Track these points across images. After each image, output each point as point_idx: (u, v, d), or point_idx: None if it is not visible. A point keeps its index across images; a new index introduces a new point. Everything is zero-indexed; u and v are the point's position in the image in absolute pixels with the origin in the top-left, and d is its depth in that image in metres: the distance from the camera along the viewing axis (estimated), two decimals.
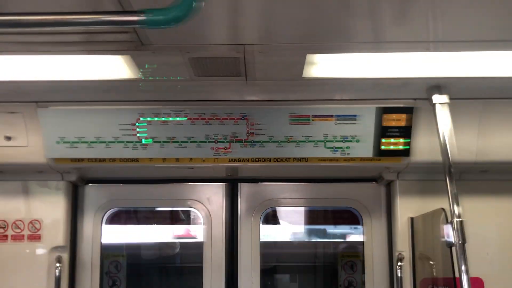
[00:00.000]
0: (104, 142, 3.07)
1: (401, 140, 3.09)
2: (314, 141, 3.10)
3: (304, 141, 3.10)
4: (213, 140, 3.08)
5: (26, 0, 1.78)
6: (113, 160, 3.13)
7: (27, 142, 3.10)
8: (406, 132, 3.07)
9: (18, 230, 3.39)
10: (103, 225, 3.64)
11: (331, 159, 3.15)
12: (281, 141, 3.10)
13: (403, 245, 3.36)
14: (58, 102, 3.00)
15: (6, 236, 3.37)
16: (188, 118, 3.03)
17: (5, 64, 2.50)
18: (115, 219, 3.88)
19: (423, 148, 3.11)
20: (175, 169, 3.33)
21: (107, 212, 3.68)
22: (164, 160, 3.15)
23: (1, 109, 3.00)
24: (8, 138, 3.08)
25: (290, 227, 4.00)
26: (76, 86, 2.76)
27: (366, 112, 3.03)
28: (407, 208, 3.39)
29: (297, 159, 3.16)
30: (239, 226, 3.64)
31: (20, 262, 3.34)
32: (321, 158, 3.14)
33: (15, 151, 3.11)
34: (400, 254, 3.34)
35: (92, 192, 3.65)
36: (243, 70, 2.54)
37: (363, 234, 3.68)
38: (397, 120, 3.05)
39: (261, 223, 3.68)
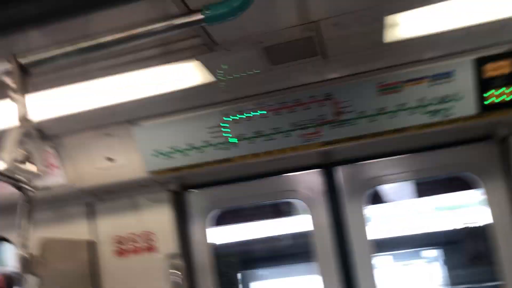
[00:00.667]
0: (196, 147, 3.12)
1: (507, 89, 2.76)
2: (408, 109, 2.87)
3: (398, 111, 2.89)
4: (301, 127, 2.99)
5: (98, 26, 1.84)
6: (208, 163, 3.17)
7: (127, 160, 3.25)
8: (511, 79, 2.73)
9: (135, 244, 3.58)
10: (210, 227, 3.72)
11: (430, 125, 2.90)
12: (373, 115, 2.92)
13: None
14: (147, 117, 3.11)
15: (125, 250, 3.58)
16: (271, 110, 2.98)
17: (93, 89, 2.63)
18: (220, 220, 3.96)
19: None
20: (268, 163, 3.29)
21: (212, 214, 3.76)
22: (255, 155, 3.12)
23: (98, 133, 3.18)
24: (110, 159, 3.26)
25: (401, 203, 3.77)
26: (161, 99, 2.83)
27: (461, 66, 2.75)
28: None
29: (393, 131, 2.95)
30: (345, 211, 3.51)
31: (141, 273, 3.53)
32: (419, 125, 2.91)
33: (118, 170, 3.28)
34: None
35: (194, 198, 3.75)
36: (319, 48, 2.42)
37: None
38: (499, 69, 2.72)
39: (365, 204, 3.51)
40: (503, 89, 2.76)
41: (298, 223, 3.65)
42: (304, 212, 3.63)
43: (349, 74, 2.84)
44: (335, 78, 2.86)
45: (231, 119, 3.03)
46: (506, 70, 2.72)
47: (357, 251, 3.43)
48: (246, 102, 2.98)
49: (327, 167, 3.58)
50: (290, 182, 3.65)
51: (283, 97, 2.94)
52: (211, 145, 3.10)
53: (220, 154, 3.12)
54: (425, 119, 2.88)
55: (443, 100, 2.83)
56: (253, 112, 2.99)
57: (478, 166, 3.33)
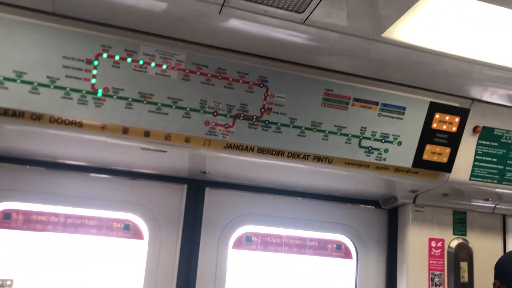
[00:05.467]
0: (27, 82, 1.77)
1: (444, 150, 2.38)
2: (347, 135, 2.20)
3: (336, 133, 2.19)
4: (212, 110, 2.00)
5: None
6: (38, 117, 1.83)
7: None
8: (454, 140, 2.36)
9: None
10: None
11: (360, 164, 2.28)
12: (306, 128, 2.14)
13: None
14: None
15: None
16: (181, 69, 1.91)
17: None
18: None
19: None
20: (125, 150, 2.12)
21: None
22: (125, 130, 1.94)
23: None
24: None
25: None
26: None
27: (417, 105, 2.26)
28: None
29: (319, 159, 2.22)
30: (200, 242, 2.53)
31: None
32: (349, 160, 2.26)
33: None
34: None
35: None
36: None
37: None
38: (447, 124, 2.33)
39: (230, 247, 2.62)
40: (442, 148, 2.36)
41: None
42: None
43: (302, 62, 2.02)
44: (283, 61, 2.01)
45: (106, 57, 1.83)
46: (449, 128, 2.33)
47: None
48: (143, 40, 1.84)
49: (196, 184, 2.58)
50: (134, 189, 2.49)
51: (204, 56, 1.92)
52: (59, 87, 1.80)
53: (65, 108, 1.83)
54: (360, 154, 2.25)
55: (385, 138, 2.26)
56: (149, 59, 1.87)
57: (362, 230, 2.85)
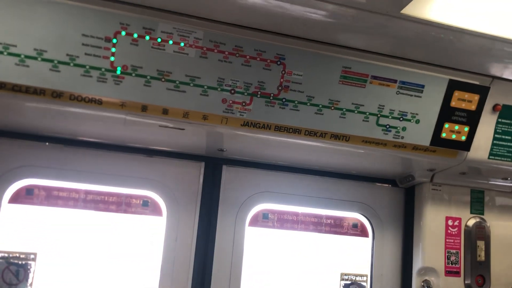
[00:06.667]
0: (50, 60, 1.79)
1: (463, 128, 2.35)
2: (365, 113, 2.19)
3: (353, 111, 2.18)
4: (229, 88, 2.00)
5: None
6: (58, 94, 1.86)
7: None
8: (473, 118, 2.33)
9: None
10: None
11: (378, 143, 2.28)
12: (323, 106, 2.14)
13: None
14: None
15: None
16: (195, 46, 1.91)
17: None
18: None
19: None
20: (143, 127, 2.15)
21: None
22: (144, 108, 1.97)
23: None
24: None
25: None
26: None
27: (436, 83, 2.23)
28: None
29: (336, 137, 2.22)
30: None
31: None
32: (366, 138, 2.25)
33: None
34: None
35: None
36: None
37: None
38: (466, 102, 2.30)
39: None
40: (461, 126, 2.34)
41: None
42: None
43: (319, 39, 2.01)
44: (300, 38, 2.00)
45: (124, 35, 1.84)
46: (469, 106, 2.31)
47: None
48: (161, 18, 1.85)
49: (213, 162, 2.61)
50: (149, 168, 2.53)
51: (222, 33, 1.92)
52: (77, 65, 1.82)
53: (85, 86, 1.86)
54: (377, 132, 2.24)
55: (403, 116, 2.25)
56: (167, 37, 1.87)
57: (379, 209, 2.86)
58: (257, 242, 2.74)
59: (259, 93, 2.04)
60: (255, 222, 2.71)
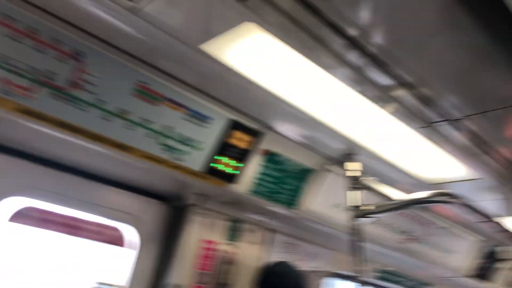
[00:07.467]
0: None
1: (234, 163, 2.65)
2: (151, 130, 2.28)
3: (140, 125, 2.24)
4: (9, 67, 1.85)
5: None
6: None
7: None
8: (245, 157, 2.65)
9: None
10: None
11: (157, 160, 2.38)
12: (112, 113, 2.15)
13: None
14: None
15: None
16: None
17: None
18: None
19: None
20: None
21: None
22: None
23: None
24: None
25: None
26: None
27: (221, 119, 2.47)
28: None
29: (119, 146, 2.24)
30: None
31: None
32: (147, 154, 2.34)
33: None
34: None
35: None
36: None
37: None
38: (241, 141, 2.61)
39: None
40: (233, 161, 2.63)
41: None
42: None
43: (122, 49, 2.03)
44: (102, 40, 1.99)
45: None
46: (243, 145, 2.62)
47: None
48: None
49: None
50: None
51: (18, 10, 1.78)
52: None
53: None
54: (156, 149, 2.35)
55: (186, 141, 2.41)
56: None
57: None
58: (17, 239, 2.53)
59: (48, 83, 1.94)
60: (17, 218, 2.49)
